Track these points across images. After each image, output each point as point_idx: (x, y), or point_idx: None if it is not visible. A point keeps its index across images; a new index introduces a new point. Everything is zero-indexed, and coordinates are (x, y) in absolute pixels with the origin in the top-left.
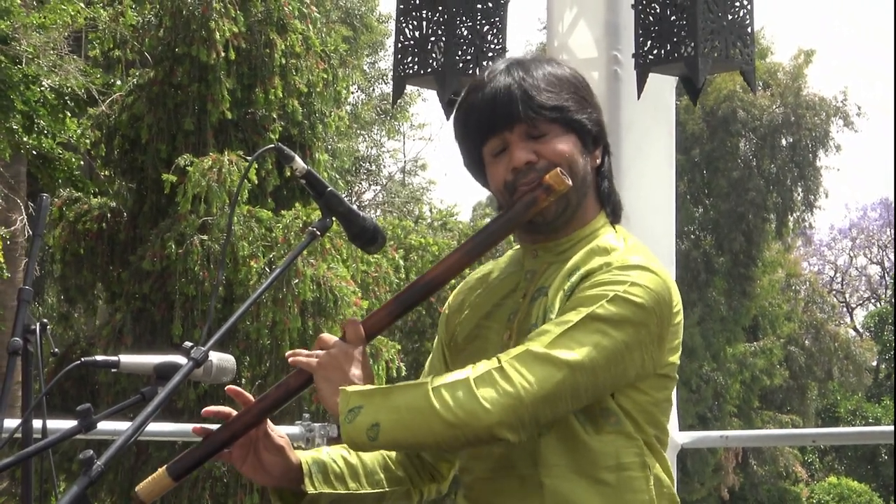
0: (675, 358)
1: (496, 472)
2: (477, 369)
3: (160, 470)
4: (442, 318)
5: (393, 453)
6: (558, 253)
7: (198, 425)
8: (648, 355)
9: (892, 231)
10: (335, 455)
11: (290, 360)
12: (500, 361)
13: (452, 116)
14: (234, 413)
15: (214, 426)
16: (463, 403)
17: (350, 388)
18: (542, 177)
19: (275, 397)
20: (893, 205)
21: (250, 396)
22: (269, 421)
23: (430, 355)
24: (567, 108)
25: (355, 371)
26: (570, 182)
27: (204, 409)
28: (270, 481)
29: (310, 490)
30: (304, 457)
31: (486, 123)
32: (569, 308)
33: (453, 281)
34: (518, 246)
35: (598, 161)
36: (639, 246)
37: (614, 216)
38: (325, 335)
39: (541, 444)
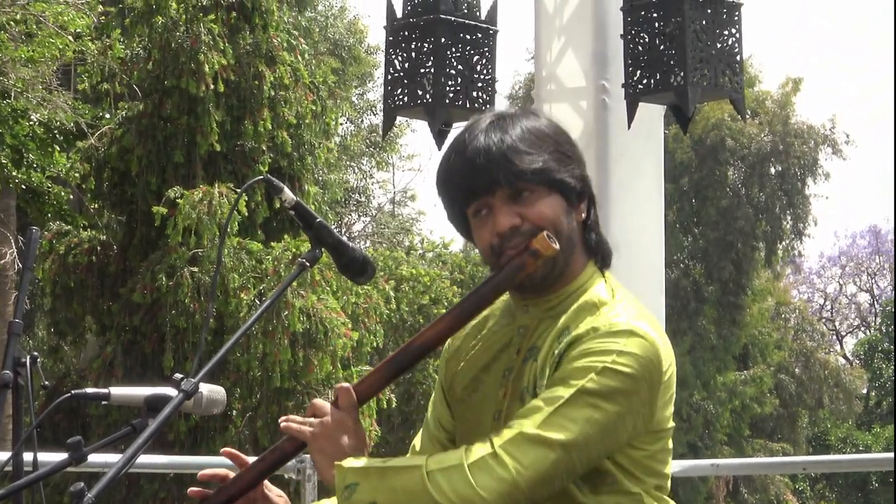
0: (668, 411)
1: None
2: (471, 454)
3: None
4: (441, 361)
5: None
6: (548, 309)
7: (195, 488)
8: (640, 419)
9: (882, 259)
10: None
11: (283, 427)
12: (493, 446)
13: (434, 175)
14: (230, 475)
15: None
16: (458, 490)
17: (346, 464)
18: (528, 241)
19: (270, 461)
20: (893, 225)
21: (245, 458)
22: (266, 482)
23: (433, 396)
24: (549, 170)
25: (349, 441)
26: (557, 247)
27: (200, 474)
28: None
29: None
30: None
31: (468, 188)
32: (558, 380)
33: None
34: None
35: (584, 215)
36: (627, 301)
37: (604, 263)
38: (318, 402)
39: None
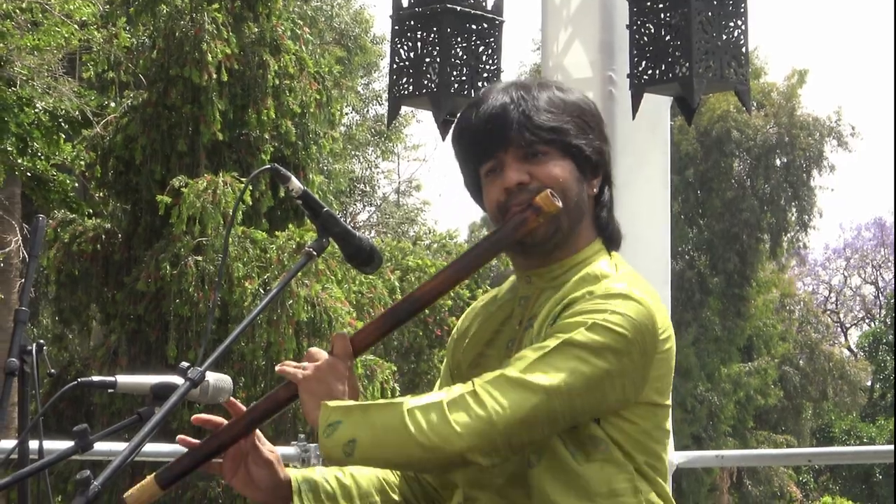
0: (664, 386)
1: (495, 501)
2: (451, 392)
3: (149, 477)
4: (449, 344)
5: (391, 476)
6: (550, 279)
7: (183, 437)
8: (630, 383)
9: (887, 251)
10: (328, 475)
11: (278, 369)
12: (473, 385)
13: (450, 135)
14: (224, 422)
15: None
16: (435, 427)
17: (331, 403)
18: (533, 198)
19: (263, 409)
20: (894, 219)
21: (244, 407)
22: (259, 434)
23: (438, 380)
24: (565, 131)
25: (340, 386)
26: (560, 204)
27: (194, 417)
28: (259, 496)
29: None
30: (294, 474)
31: (481, 143)
32: (548, 335)
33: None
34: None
35: (597, 190)
36: (629, 274)
37: (611, 244)
38: (314, 349)
39: (532, 475)
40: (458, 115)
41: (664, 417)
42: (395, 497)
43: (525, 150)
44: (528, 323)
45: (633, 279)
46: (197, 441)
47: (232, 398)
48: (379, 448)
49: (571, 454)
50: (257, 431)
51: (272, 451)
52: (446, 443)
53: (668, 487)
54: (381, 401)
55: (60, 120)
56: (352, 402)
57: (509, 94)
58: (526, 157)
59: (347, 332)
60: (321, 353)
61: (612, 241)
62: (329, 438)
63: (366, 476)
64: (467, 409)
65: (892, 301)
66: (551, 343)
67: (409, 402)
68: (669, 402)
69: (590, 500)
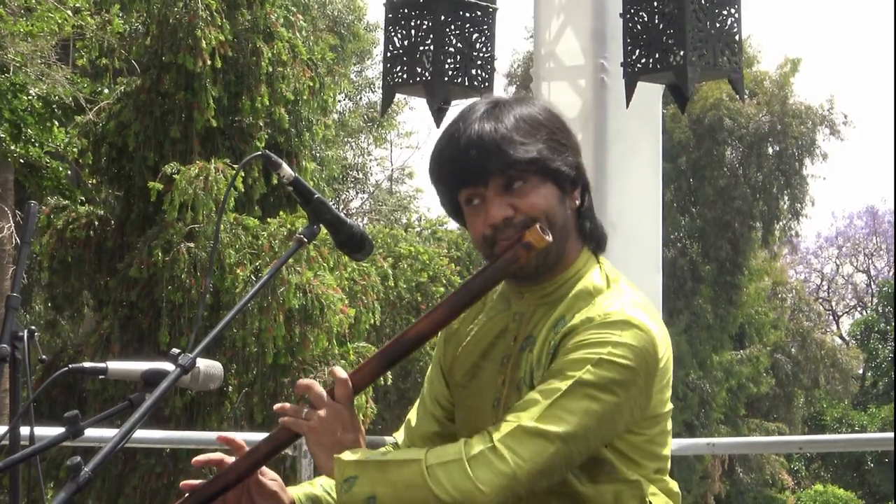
0: (666, 395)
1: None
2: (470, 448)
3: None
4: (438, 339)
5: None
6: (544, 296)
7: (186, 482)
8: (637, 408)
9: (878, 239)
10: (328, 487)
11: (281, 421)
12: (492, 440)
13: (428, 162)
14: (225, 459)
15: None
16: (458, 485)
17: (345, 458)
18: (521, 232)
19: (265, 451)
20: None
21: (241, 442)
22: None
23: (428, 372)
24: (542, 159)
25: (347, 435)
26: (550, 238)
27: (194, 460)
28: None
29: None
30: (296, 494)
31: (460, 176)
32: (554, 371)
33: None
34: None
35: (578, 202)
36: (621, 287)
37: (598, 248)
38: (316, 391)
39: (537, 499)
40: (434, 146)
41: (667, 422)
42: None
43: (504, 182)
44: (524, 343)
45: (627, 296)
46: (199, 482)
47: (224, 434)
48: None
49: (577, 477)
50: None
51: (274, 478)
52: (470, 500)
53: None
54: (396, 454)
55: (54, 106)
56: (365, 456)
57: (481, 127)
58: (506, 188)
59: (347, 376)
60: (322, 398)
61: (598, 245)
62: (348, 494)
63: None
64: (489, 465)
65: (886, 289)
66: (561, 386)
67: (428, 458)
68: (670, 406)
69: None
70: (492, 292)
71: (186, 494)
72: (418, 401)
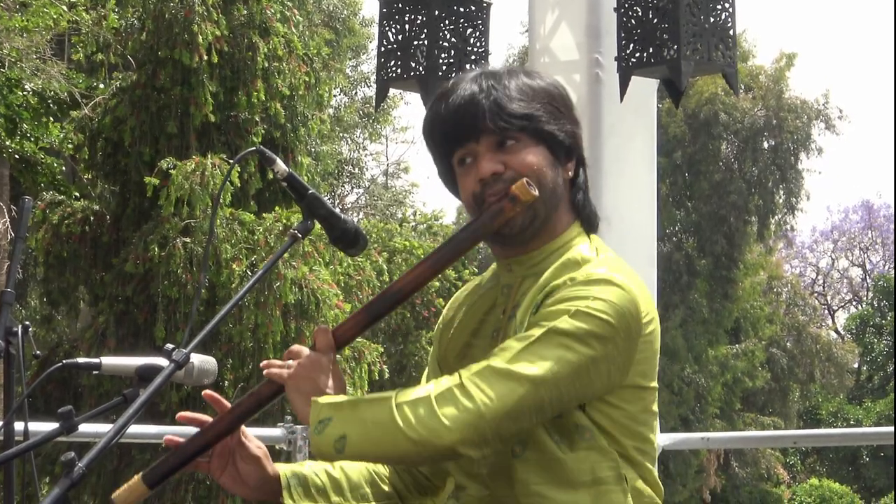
0: (650, 369)
1: (481, 491)
2: (439, 386)
3: (136, 477)
4: (436, 334)
5: (381, 468)
6: (531, 266)
7: (169, 437)
8: (616, 368)
9: (874, 233)
10: (317, 469)
11: (265, 371)
12: (461, 378)
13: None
14: (210, 419)
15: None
16: (424, 421)
17: (321, 400)
18: (509, 187)
19: (247, 406)
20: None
21: (226, 402)
22: (245, 430)
23: (426, 370)
24: (537, 118)
25: (326, 381)
26: (537, 192)
27: (179, 415)
28: (248, 492)
29: (288, 503)
30: (283, 469)
31: (453, 134)
32: (532, 323)
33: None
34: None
35: (572, 173)
36: (610, 258)
37: (589, 227)
38: (296, 346)
39: (516, 465)
40: (428, 106)
41: (651, 400)
42: (386, 488)
43: (497, 139)
44: (511, 312)
45: (614, 263)
46: (182, 440)
47: (213, 392)
48: (369, 444)
49: (556, 443)
50: (243, 428)
51: (260, 446)
52: (436, 436)
53: (656, 470)
54: (371, 395)
55: (49, 102)
56: (341, 398)
57: (478, 84)
58: (499, 145)
59: (329, 327)
60: (303, 350)
61: (589, 223)
62: (320, 435)
63: (356, 469)
64: (455, 402)
65: (882, 283)
66: (536, 332)
67: (398, 397)
68: (655, 384)
69: (573, 489)
70: (484, 276)
71: (169, 452)
72: None
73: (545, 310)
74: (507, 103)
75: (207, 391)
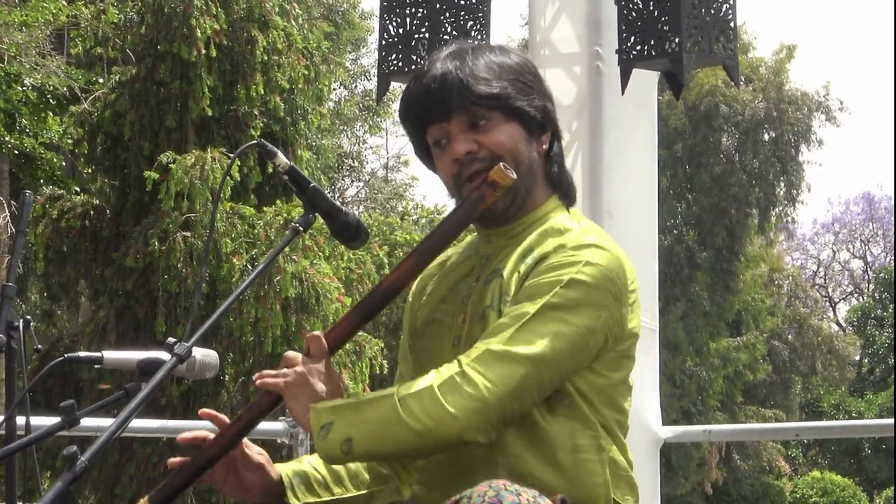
0: (632, 333)
1: (457, 459)
2: (440, 375)
3: (142, 501)
4: (406, 308)
5: None
6: (511, 237)
7: (174, 459)
8: (612, 334)
9: (875, 225)
10: (316, 463)
11: (258, 382)
12: (461, 365)
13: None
14: (210, 436)
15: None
16: (430, 412)
17: (320, 405)
18: (486, 167)
19: (248, 418)
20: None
21: (224, 418)
22: (246, 440)
23: (401, 350)
24: (506, 96)
25: (322, 386)
26: (514, 176)
27: (179, 437)
28: (252, 498)
29: (293, 502)
30: (284, 470)
31: (425, 113)
32: (524, 296)
33: None
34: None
35: (546, 146)
36: (593, 227)
37: (567, 199)
38: (290, 353)
39: None
40: (405, 87)
41: (629, 372)
42: (384, 471)
43: (469, 119)
44: (488, 277)
45: (599, 231)
46: (187, 459)
47: (208, 410)
48: (375, 442)
49: (537, 408)
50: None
51: (261, 453)
52: (442, 426)
53: (628, 445)
54: (371, 395)
55: (48, 96)
56: (340, 402)
57: (446, 65)
58: (471, 126)
59: (321, 332)
60: (297, 357)
61: (567, 195)
62: (325, 441)
63: None
64: (459, 390)
65: (883, 276)
66: (530, 309)
67: (400, 391)
68: (634, 357)
69: (552, 454)
70: (458, 247)
71: (173, 472)
72: (397, 378)
73: (537, 280)
74: (475, 84)
75: (204, 410)
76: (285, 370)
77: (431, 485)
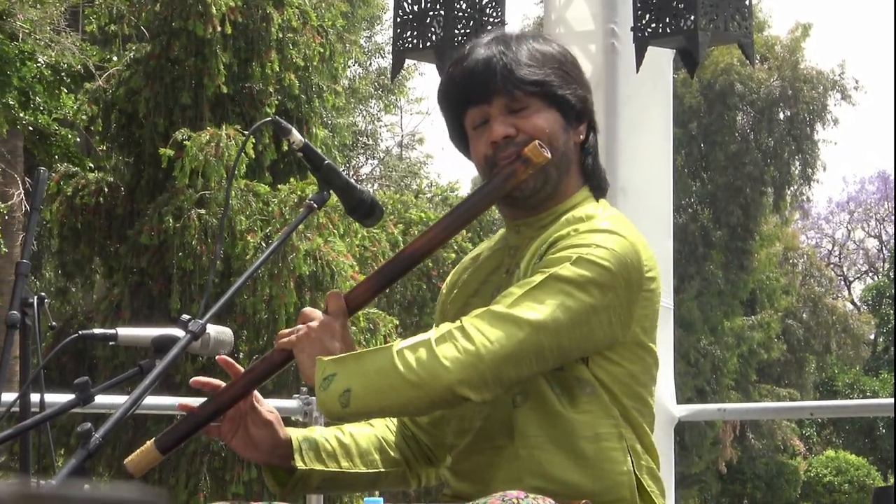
0: (651, 326)
1: (476, 444)
2: (439, 330)
3: (148, 443)
4: (438, 300)
5: (389, 435)
6: (539, 228)
7: (183, 401)
8: (616, 318)
9: (890, 204)
10: (328, 434)
11: (276, 343)
12: (461, 322)
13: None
14: (223, 385)
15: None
16: (424, 363)
17: (326, 358)
18: (521, 150)
19: (259, 370)
20: (894, 178)
21: (240, 368)
22: (258, 395)
23: None
24: (548, 83)
25: (334, 343)
26: (549, 155)
27: (192, 380)
28: (260, 456)
29: (300, 466)
30: (294, 433)
31: (465, 95)
32: (535, 271)
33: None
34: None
35: (582, 137)
36: (616, 215)
37: (598, 191)
38: (308, 309)
39: (517, 415)
40: (444, 72)
41: (651, 363)
42: (394, 455)
43: (509, 104)
44: (514, 269)
45: (619, 219)
46: (195, 405)
47: (227, 356)
48: (372, 394)
49: (557, 396)
50: (255, 392)
51: (271, 411)
52: (434, 377)
53: (653, 436)
54: (374, 348)
55: (63, 74)
56: (346, 354)
57: (491, 49)
58: (511, 110)
59: (341, 291)
60: (315, 313)
61: (599, 188)
62: (325, 392)
63: (365, 435)
64: (455, 343)
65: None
66: (537, 278)
67: (399, 343)
68: (655, 347)
69: (575, 443)
70: (491, 241)
71: (181, 417)
72: None
73: (548, 257)
74: (518, 69)
75: (222, 357)
76: (300, 325)
77: (461, 474)
